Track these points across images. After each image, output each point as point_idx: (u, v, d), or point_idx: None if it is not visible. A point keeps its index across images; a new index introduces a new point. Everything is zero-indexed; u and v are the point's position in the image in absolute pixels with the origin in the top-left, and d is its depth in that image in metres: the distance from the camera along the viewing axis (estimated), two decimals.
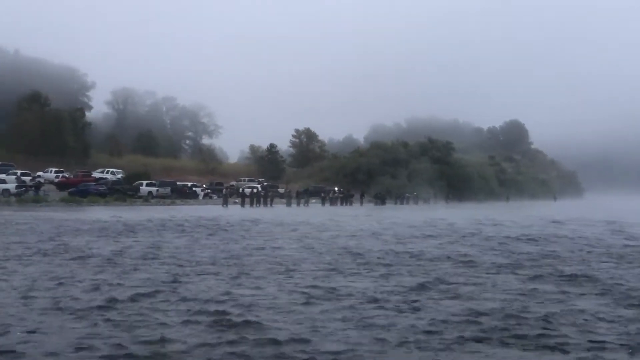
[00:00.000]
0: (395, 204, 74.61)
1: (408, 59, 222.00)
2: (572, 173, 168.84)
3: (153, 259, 14.94)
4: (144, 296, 9.99)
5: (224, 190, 64.09)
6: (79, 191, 58.83)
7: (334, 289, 10.92)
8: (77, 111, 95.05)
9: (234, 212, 44.92)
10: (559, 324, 8.47)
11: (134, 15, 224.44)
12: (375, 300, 9.92)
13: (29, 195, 53.83)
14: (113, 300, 9.62)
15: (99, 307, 9.10)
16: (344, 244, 19.31)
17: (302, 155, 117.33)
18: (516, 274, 13.19)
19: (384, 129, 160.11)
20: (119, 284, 11.14)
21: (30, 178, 62.91)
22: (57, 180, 67.88)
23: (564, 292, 10.91)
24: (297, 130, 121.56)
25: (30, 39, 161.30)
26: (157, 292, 10.38)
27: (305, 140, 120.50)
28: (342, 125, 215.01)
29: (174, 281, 11.52)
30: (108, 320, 8.34)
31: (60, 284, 11.17)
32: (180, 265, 13.66)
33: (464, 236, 23.17)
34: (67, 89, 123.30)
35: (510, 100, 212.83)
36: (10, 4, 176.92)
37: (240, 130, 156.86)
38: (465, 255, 16.56)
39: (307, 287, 11.10)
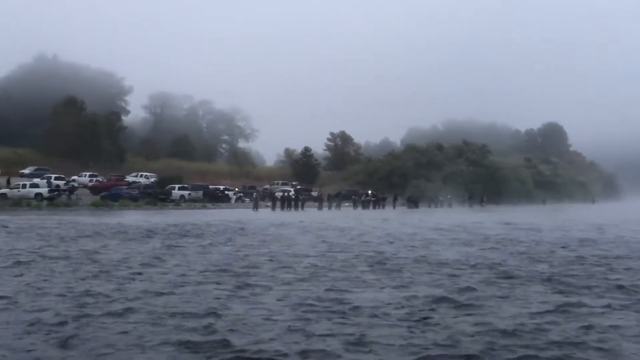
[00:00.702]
0: (429, 207, 73.15)
1: (446, 60, 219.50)
2: (611, 175, 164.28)
3: (154, 266, 14.11)
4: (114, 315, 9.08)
5: (254, 193, 63.40)
6: (111, 195, 58.80)
7: (341, 301, 9.88)
8: (113, 115, 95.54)
9: (263, 216, 44.17)
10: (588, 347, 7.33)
11: (171, 20, 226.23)
12: (385, 315, 8.87)
13: (61, 199, 53.87)
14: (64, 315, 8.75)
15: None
16: (364, 250, 18.25)
17: (337, 159, 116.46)
18: (551, 285, 11.96)
19: (420, 131, 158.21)
20: (91, 294, 10.27)
21: (64, 182, 63.04)
22: (90, 184, 68.03)
23: (607, 307, 9.70)
24: (332, 134, 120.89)
25: (69, 44, 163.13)
26: (136, 303, 9.46)
27: (340, 144, 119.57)
28: (379, 128, 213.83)
29: (160, 293, 10.56)
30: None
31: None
32: (182, 275, 12.72)
33: (495, 241, 21.85)
34: (105, 94, 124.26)
35: (548, 102, 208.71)
36: (50, 11, 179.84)
37: (277, 133, 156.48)
38: (494, 262, 15.34)
39: (312, 299, 10.07)
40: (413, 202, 71.74)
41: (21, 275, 12.60)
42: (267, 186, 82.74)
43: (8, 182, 61.12)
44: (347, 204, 68.47)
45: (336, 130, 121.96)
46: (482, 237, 24.23)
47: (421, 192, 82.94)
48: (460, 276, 12.95)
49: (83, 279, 11.98)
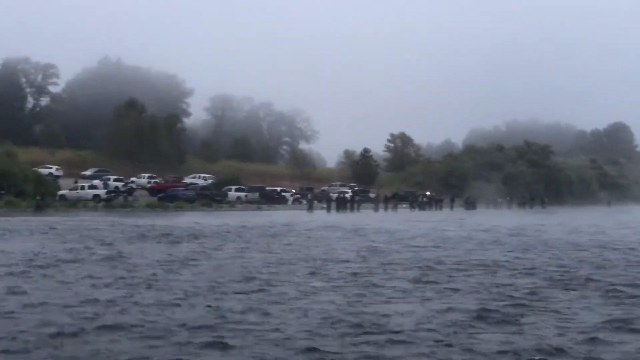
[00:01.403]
0: (487, 208, 71.03)
1: (508, 59, 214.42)
2: None
3: (175, 272, 13.36)
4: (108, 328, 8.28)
5: (309, 195, 62.62)
6: (168, 196, 58.99)
7: (362, 316, 8.87)
8: (172, 117, 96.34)
9: (315, 217, 43.33)
10: None
11: (231, 22, 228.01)
12: (411, 333, 7.83)
13: (118, 200, 54.27)
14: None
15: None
16: (409, 254, 17.12)
17: (397, 160, 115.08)
18: (614, 297, 10.68)
19: (482, 132, 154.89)
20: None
21: (123, 183, 63.59)
22: (149, 185, 68.55)
23: None
24: (392, 135, 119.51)
25: (132, 47, 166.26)
26: (135, 314, 8.67)
27: (400, 145, 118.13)
28: (440, 129, 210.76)
29: (171, 304, 9.74)
30: None
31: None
32: (195, 287, 11.81)
33: (554, 246, 20.35)
34: (166, 96, 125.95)
35: (615, 102, 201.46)
36: (113, 16, 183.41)
37: (340, 135, 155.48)
38: (549, 268, 14.01)
39: (329, 312, 9.09)
40: (470, 204, 69.81)
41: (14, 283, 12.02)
42: (325, 188, 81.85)
43: (75, 183, 62.32)
44: (404, 206, 67.08)
45: (397, 132, 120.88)
46: (540, 240, 22.72)
47: (480, 193, 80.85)
48: (510, 285, 11.76)
49: (94, 286, 11.30)
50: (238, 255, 16.52)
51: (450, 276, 12.84)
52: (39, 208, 43.15)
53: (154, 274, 12.83)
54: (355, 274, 13.22)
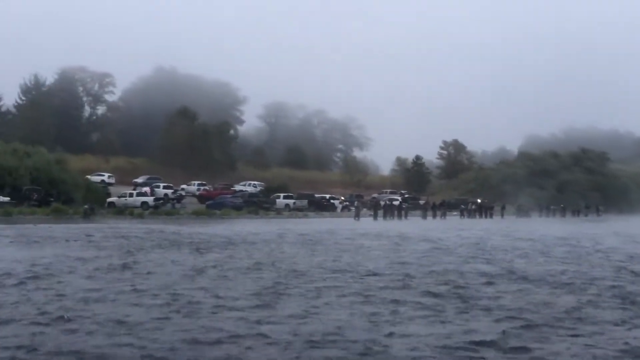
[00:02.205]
0: (540, 216, 68.77)
1: (565, 64, 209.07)
2: None
3: (179, 283, 12.64)
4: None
5: (356, 202, 61.59)
6: (216, 204, 58.91)
7: (367, 336, 7.93)
8: (224, 125, 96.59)
9: (361, 225, 42.34)
10: None
11: (286, 31, 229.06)
12: None
13: (165, 208, 54.29)
14: None
15: None
16: (442, 266, 15.95)
17: (450, 167, 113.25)
18: None
19: (538, 139, 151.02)
20: None
21: (172, 191, 63.71)
22: (198, 193, 68.66)
23: None
24: (444, 142, 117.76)
25: (187, 56, 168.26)
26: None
27: (453, 152, 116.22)
28: (496, 136, 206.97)
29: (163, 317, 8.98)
30: None
31: None
32: (200, 299, 11.12)
33: (601, 257, 18.93)
34: (220, 104, 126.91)
35: None
36: (168, 25, 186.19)
37: (394, 142, 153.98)
38: (592, 282, 12.77)
39: (324, 333, 8.18)
40: (523, 212, 67.64)
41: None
42: (375, 195, 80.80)
43: (133, 189, 63.24)
44: (455, 213, 65.44)
45: (452, 139, 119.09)
46: (585, 250, 21.26)
47: (534, 201, 78.51)
48: (545, 304, 10.60)
49: (79, 301, 10.61)
50: (254, 268, 15.54)
51: (477, 294, 11.71)
52: (87, 215, 43.35)
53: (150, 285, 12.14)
54: (375, 286, 12.25)
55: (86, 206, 44.83)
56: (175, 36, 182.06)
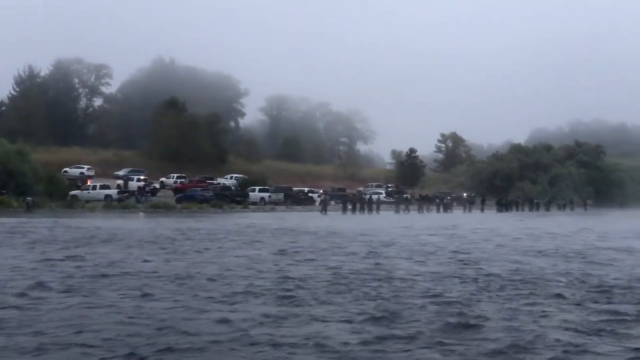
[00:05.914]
0: (522, 210, 67.36)
1: (573, 58, 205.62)
2: None
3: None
4: None
5: (322, 196, 60.18)
6: (185, 197, 58.25)
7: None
8: (212, 116, 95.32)
9: (325, 220, 40.97)
10: None
11: (289, 24, 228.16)
12: None
13: (129, 202, 53.57)
14: None
15: None
16: (366, 267, 13.99)
17: (448, 160, 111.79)
18: None
19: (545, 133, 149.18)
20: None
21: (144, 184, 62.83)
22: (174, 186, 68.05)
23: None
24: (442, 135, 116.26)
25: (187, 48, 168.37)
26: None
27: (452, 145, 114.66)
28: (503, 130, 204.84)
29: None
30: None
31: None
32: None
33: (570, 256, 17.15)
34: (221, 96, 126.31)
35: None
36: (167, 16, 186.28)
37: (401, 135, 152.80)
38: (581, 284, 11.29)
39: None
40: (502, 206, 66.34)
41: None
42: (361, 189, 79.59)
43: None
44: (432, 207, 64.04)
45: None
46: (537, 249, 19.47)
47: (525, 195, 77.06)
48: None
49: None
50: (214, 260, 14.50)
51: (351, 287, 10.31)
52: (29, 209, 42.68)
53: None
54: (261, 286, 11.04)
55: (28, 199, 44.11)
56: (175, 28, 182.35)
